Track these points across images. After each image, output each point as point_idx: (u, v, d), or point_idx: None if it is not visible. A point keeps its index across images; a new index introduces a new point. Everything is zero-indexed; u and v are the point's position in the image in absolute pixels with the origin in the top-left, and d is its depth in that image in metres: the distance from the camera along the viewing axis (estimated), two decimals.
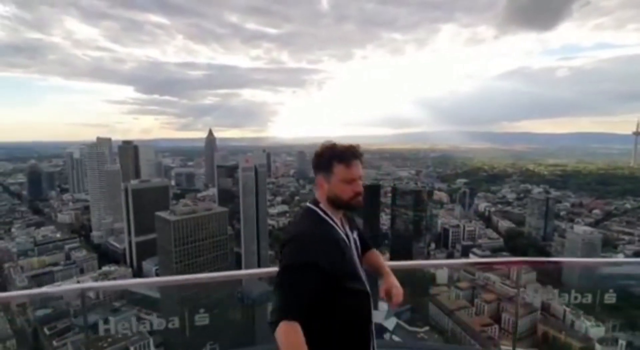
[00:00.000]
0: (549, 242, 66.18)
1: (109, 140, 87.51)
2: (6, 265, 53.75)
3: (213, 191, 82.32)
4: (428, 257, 62.08)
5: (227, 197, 68.93)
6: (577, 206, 78.50)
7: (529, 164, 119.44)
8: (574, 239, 58.51)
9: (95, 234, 71.88)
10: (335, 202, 1.51)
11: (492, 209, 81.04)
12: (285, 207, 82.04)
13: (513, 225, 73.27)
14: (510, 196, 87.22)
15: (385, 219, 73.21)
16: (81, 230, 72.92)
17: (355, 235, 1.63)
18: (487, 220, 77.47)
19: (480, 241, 66.90)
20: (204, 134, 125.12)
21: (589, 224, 65.96)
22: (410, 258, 56.04)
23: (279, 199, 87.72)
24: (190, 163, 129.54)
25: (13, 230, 66.24)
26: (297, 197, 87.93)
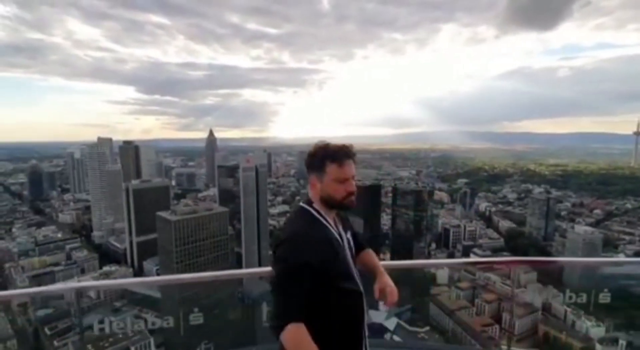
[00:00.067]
0: (550, 242, 66.22)
1: (110, 140, 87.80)
2: (7, 265, 53.96)
3: (214, 191, 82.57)
4: (429, 257, 62.12)
5: (227, 197, 69.10)
6: (577, 206, 78.55)
7: (529, 164, 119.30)
8: (574, 239, 58.55)
9: (96, 234, 72.08)
10: (328, 202, 1.52)
11: (493, 209, 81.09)
12: (286, 207, 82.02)
13: (514, 225, 73.32)
14: (511, 196, 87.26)
15: (386, 219, 73.23)
16: (82, 230, 73.12)
17: (348, 235, 1.63)
18: (487, 220, 77.51)
19: (481, 241, 66.95)
20: (204, 134, 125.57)
21: (590, 224, 65.97)
22: (411, 258, 55.92)
23: (279, 199, 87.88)
24: (191, 163, 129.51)
25: (14, 230, 66.43)
26: (297, 197, 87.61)
